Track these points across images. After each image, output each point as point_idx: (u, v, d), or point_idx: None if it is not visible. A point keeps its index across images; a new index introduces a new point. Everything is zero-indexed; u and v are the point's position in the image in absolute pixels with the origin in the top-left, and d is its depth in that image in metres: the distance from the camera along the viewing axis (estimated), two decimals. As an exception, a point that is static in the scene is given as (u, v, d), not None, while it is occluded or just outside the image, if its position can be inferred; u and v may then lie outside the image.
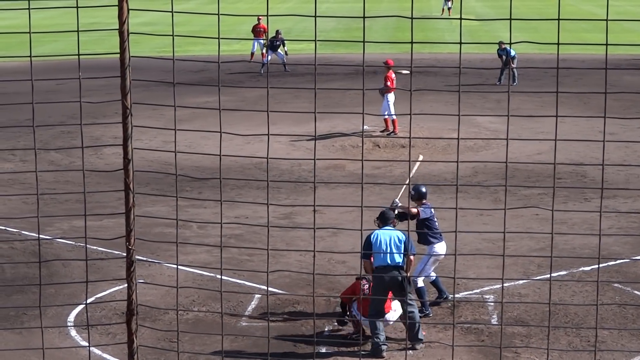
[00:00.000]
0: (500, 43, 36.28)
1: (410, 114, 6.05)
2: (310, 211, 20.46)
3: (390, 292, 13.83)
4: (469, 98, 34.07)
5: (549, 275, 16.39)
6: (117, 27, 6.27)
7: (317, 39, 6.34)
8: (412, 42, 6.32)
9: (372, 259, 14.03)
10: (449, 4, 67.98)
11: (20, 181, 23.31)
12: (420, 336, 13.94)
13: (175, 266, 16.61)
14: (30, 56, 6.34)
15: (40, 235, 17.11)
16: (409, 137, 6.64)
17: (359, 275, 14.23)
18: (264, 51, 45.64)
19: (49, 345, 13.84)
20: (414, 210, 15.15)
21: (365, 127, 29.39)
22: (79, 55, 6.40)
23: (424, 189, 15.58)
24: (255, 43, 45.66)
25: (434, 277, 15.51)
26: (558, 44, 6.24)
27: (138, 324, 6.58)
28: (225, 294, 15.74)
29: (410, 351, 13.84)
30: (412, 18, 6.08)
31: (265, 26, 45.60)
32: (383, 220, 14.37)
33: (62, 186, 23.24)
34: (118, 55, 6.25)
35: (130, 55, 6.25)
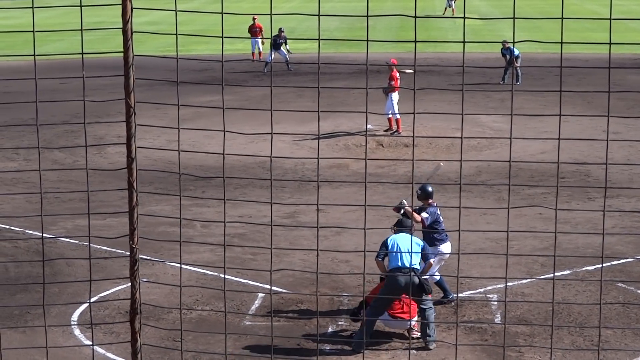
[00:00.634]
0: (503, 42, 36.25)
1: (413, 113, 6.04)
2: (313, 210, 20.46)
3: (404, 294, 13.85)
4: (473, 97, 34.04)
5: (552, 275, 16.38)
6: (121, 26, 6.26)
7: (320, 38, 6.34)
8: (415, 41, 6.33)
9: (386, 261, 14.14)
10: (452, 3, 67.85)
11: (24, 180, 23.33)
12: (433, 337, 13.93)
13: (178, 265, 16.62)
14: (34, 55, 6.33)
15: (44, 234, 17.06)
16: (413, 136, 6.64)
17: (382, 276, 14.32)
18: (262, 50, 45.67)
19: (53, 344, 13.85)
20: (418, 217, 15.19)
21: (369, 126, 29.37)
22: (82, 54, 6.40)
23: (430, 189, 15.60)
24: (254, 43, 45.70)
25: (439, 278, 15.51)
26: (562, 43, 6.24)
27: (142, 323, 6.57)
28: (228, 293, 15.74)
29: (414, 351, 13.84)
30: (415, 17, 6.07)
31: (261, 25, 45.60)
32: (400, 226, 14.50)
33: (65, 185, 23.27)
34: (122, 54, 6.24)
35: (134, 54, 6.24)
